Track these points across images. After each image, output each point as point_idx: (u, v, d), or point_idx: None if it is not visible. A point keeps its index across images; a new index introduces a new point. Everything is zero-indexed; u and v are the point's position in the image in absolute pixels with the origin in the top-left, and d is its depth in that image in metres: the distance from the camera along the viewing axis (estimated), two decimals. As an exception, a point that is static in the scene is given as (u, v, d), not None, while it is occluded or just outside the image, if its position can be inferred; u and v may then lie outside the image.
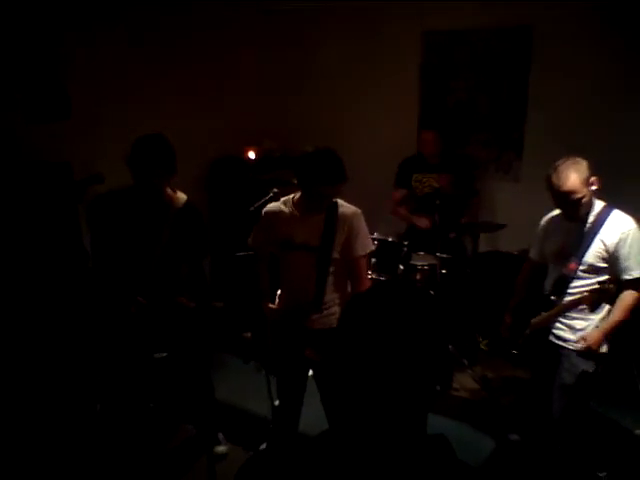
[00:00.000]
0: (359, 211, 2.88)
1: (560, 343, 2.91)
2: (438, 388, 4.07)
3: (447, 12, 4.74)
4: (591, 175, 2.70)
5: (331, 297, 2.88)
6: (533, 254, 3.13)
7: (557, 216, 2.95)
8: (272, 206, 2.97)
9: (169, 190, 3.00)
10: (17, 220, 3.68)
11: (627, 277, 2.70)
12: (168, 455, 3.17)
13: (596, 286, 2.67)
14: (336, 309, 2.88)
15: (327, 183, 2.70)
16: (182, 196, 3.04)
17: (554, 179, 2.69)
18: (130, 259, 2.98)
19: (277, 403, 3.06)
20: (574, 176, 2.66)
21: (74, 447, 3.26)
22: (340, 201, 2.85)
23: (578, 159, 2.70)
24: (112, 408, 3.15)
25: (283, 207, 2.91)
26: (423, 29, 4.96)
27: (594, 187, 2.73)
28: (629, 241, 2.68)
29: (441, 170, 4.45)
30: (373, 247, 2.97)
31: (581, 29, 4.26)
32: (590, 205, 2.78)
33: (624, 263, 2.71)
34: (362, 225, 2.87)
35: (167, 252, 2.96)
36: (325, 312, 2.87)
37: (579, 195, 2.68)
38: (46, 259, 3.74)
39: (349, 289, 2.91)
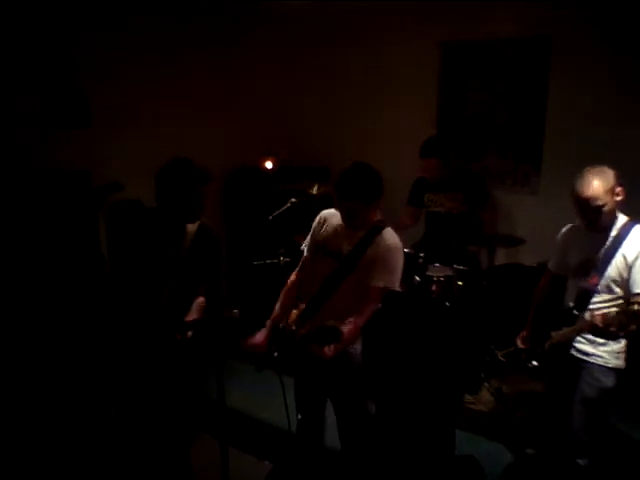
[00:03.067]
0: (400, 245, 2.79)
1: (581, 357, 2.88)
2: (466, 397, 4.03)
3: (464, 22, 4.75)
4: (617, 185, 2.67)
5: (333, 310, 2.79)
6: (552, 265, 3.10)
7: (578, 227, 2.91)
8: (328, 212, 2.96)
9: None
10: (37, 227, 3.73)
11: (636, 291, 2.65)
12: (182, 462, 3.17)
13: (626, 307, 2.57)
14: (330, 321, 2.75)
15: (335, 195, 2.71)
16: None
17: (577, 185, 2.67)
18: (144, 278, 2.94)
19: (300, 417, 3.04)
20: (597, 183, 2.63)
21: (88, 451, 3.28)
22: (389, 229, 2.80)
23: (605, 168, 2.68)
24: (127, 412, 3.16)
25: (336, 215, 2.86)
26: (440, 40, 4.98)
27: (619, 198, 2.70)
28: None
29: (451, 189, 4.41)
30: (395, 287, 2.78)
31: (600, 39, 4.24)
32: (613, 217, 2.75)
33: (635, 276, 2.66)
34: (393, 258, 2.75)
35: (183, 274, 2.93)
36: (320, 320, 2.81)
37: (600, 202, 2.64)
38: (64, 266, 3.79)
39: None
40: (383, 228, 2.79)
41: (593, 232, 2.80)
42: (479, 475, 0.97)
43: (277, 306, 3.06)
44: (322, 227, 2.95)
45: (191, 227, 2.96)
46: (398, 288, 2.83)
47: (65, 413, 3.47)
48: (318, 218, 3.00)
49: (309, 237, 3.03)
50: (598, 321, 2.64)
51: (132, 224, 3.08)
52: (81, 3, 4.09)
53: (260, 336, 2.98)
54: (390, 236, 2.79)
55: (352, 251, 2.78)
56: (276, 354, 2.87)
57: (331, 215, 2.94)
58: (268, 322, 3.02)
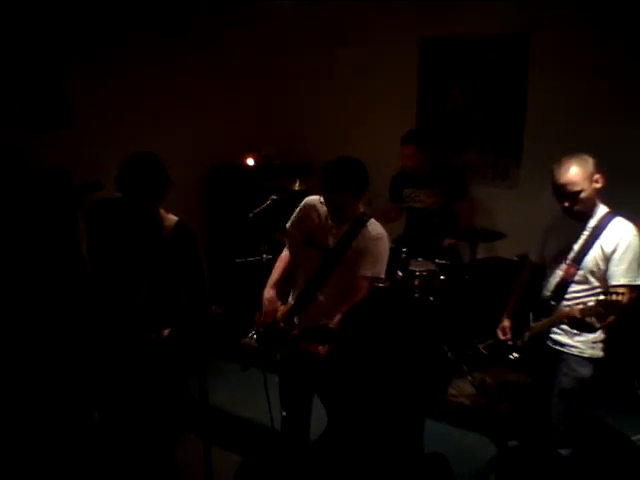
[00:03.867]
0: (385, 235, 2.84)
1: (558, 348, 2.90)
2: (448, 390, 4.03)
3: (444, 19, 4.77)
4: (596, 173, 2.71)
5: (322, 304, 2.83)
6: (533, 255, 3.12)
7: (559, 217, 2.94)
8: (312, 199, 2.98)
9: (161, 211, 2.93)
10: (15, 227, 3.68)
11: (613, 282, 2.67)
12: (167, 463, 3.16)
13: (601, 297, 2.59)
14: (323, 320, 2.79)
15: (323, 189, 2.73)
16: (173, 217, 2.97)
17: (555, 171, 2.71)
18: (122, 278, 2.92)
19: (284, 414, 3.04)
20: (575, 169, 2.67)
21: (71, 456, 3.25)
22: (373, 220, 2.84)
23: (585, 155, 2.71)
24: (110, 415, 3.13)
25: (320, 205, 2.89)
26: (420, 36, 4.99)
27: (598, 185, 2.72)
28: (623, 247, 2.68)
29: (430, 185, 4.43)
30: (382, 276, 2.85)
31: (578, 35, 4.28)
32: (593, 206, 2.78)
33: (613, 268, 2.69)
34: (379, 248, 2.80)
35: (159, 274, 2.89)
36: (309, 314, 2.85)
37: (577, 188, 2.67)
38: (44, 266, 3.74)
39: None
40: (367, 220, 2.83)
41: (572, 220, 2.82)
42: (446, 474, 0.96)
43: (275, 272, 3.09)
44: (307, 214, 2.96)
45: (168, 225, 2.93)
46: (384, 277, 2.87)
47: (47, 415, 3.43)
48: (303, 204, 3.01)
49: (293, 217, 3.04)
50: (576, 313, 2.68)
51: (109, 223, 3.05)
52: (63, 3, 4.03)
53: (269, 301, 3.02)
54: (375, 227, 2.83)
55: (338, 244, 2.80)
56: (263, 349, 2.88)
57: (315, 202, 2.95)
58: (268, 287, 3.05)
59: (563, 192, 2.72)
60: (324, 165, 2.78)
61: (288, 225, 3.06)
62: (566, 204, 2.75)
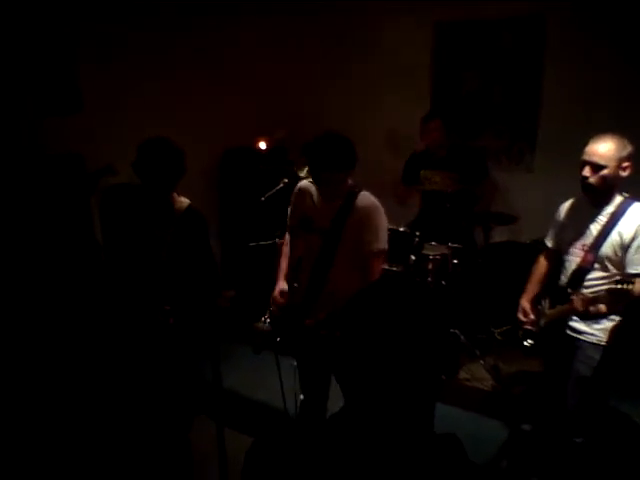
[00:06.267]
0: (377, 204, 2.81)
1: (575, 335, 2.86)
2: (444, 377, 4.06)
3: (459, 2, 4.70)
4: (628, 160, 2.63)
5: (335, 288, 2.79)
6: (549, 241, 3.07)
7: (576, 204, 2.89)
8: (304, 183, 2.99)
9: (174, 194, 2.96)
10: (30, 212, 3.71)
11: (631, 271, 2.61)
12: (182, 445, 3.19)
13: (614, 285, 2.53)
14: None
15: (316, 169, 2.70)
16: (185, 200, 2.99)
17: (591, 139, 2.65)
18: (136, 260, 2.95)
19: (302, 397, 3.05)
20: (609, 144, 2.61)
21: (82, 442, 3.28)
22: (363, 192, 2.82)
23: (626, 140, 2.64)
24: (125, 398, 3.16)
25: (313, 187, 2.90)
26: (435, 19, 4.93)
27: (624, 173, 2.65)
28: None
29: (448, 166, 4.31)
30: (385, 246, 2.83)
31: (595, 16, 4.20)
32: (610, 191, 2.70)
33: (632, 256, 2.63)
34: (377, 219, 2.78)
35: (171, 258, 2.91)
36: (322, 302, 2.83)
37: (602, 162, 2.61)
38: (58, 251, 3.77)
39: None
40: (358, 192, 2.81)
41: (589, 206, 2.77)
42: (458, 453, 0.95)
43: (283, 268, 3.09)
44: (302, 198, 2.96)
45: (179, 207, 2.95)
46: (387, 247, 2.85)
47: (63, 400, 3.47)
48: (297, 189, 3.01)
49: (290, 208, 3.04)
50: (578, 305, 2.65)
51: (123, 208, 3.07)
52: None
53: (279, 294, 3.03)
54: (367, 198, 2.81)
55: (333, 223, 2.79)
56: (279, 339, 2.89)
57: (308, 185, 2.95)
58: (280, 282, 3.06)
59: (588, 160, 2.65)
60: (310, 142, 2.72)
61: (289, 220, 3.05)
62: (585, 172, 2.67)
